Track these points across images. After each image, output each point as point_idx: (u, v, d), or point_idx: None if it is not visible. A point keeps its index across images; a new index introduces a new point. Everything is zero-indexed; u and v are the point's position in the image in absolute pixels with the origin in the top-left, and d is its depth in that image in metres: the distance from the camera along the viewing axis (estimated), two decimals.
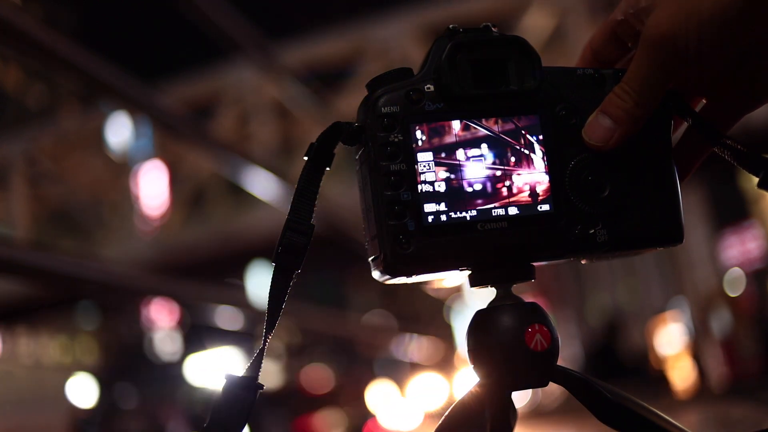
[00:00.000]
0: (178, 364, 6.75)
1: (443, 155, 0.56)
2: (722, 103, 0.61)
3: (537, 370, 0.57)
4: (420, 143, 0.55)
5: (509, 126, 0.57)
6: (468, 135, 0.56)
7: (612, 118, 0.57)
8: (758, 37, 0.55)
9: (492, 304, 0.59)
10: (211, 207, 12.48)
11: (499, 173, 0.56)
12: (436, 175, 0.55)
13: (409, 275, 0.56)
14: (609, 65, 0.62)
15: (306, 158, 0.58)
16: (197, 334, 6.93)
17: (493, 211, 0.56)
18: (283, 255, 0.57)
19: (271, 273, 0.58)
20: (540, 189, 0.57)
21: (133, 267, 8.85)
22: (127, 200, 13.10)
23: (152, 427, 5.66)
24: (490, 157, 0.56)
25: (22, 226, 12.43)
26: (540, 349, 0.56)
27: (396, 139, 0.55)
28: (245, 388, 0.57)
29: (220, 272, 12.43)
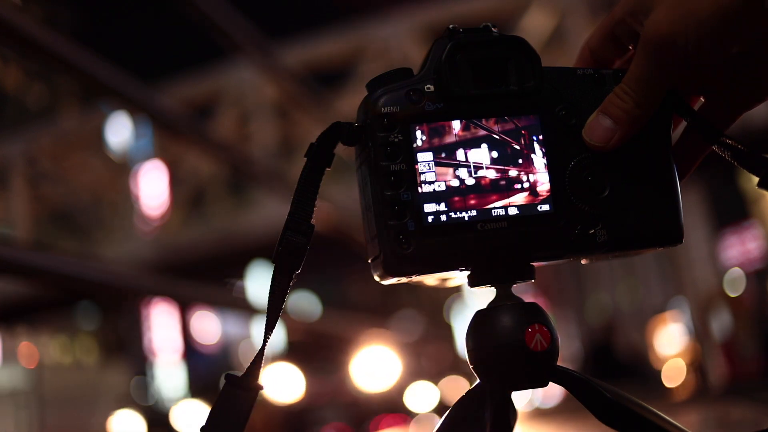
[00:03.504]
0: None
1: (443, 155, 0.56)
2: (721, 102, 0.61)
3: (537, 370, 0.57)
4: (420, 143, 0.55)
5: (509, 126, 0.57)
6: (468, 135, 0.56)
7: (612, 118, 0.57)
8: (757, 36, 0.55)
9: (492, 304, 0.59)
10: (211, 207, 12.48)
11: (499, 173, 0.56)
12: (436, 175, 0.55)
13: (409, 275, 0.56)
14: (607, 65, 0.62)
15: (306, 158, 0.58)
16: None
17: (493, 211, 0.56)
18: (283, 255, 0.57)
19: (271, 273, 0.58)
20: (540, 189, 0.57)
21: (133, 267, 8.85)
22: (127, 200, 13.10)
23: None
24: (490, 157, 0.56)
25: (22, 226, 12.43)
26: (540, 349, 0.56)
27: (396, 139, 0.55)
28: (245, 389, 0.57)
29: (220, 272, 12.44)
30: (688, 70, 0.56)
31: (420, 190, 0.55)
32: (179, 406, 9.79)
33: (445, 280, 0.63)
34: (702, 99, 0.62)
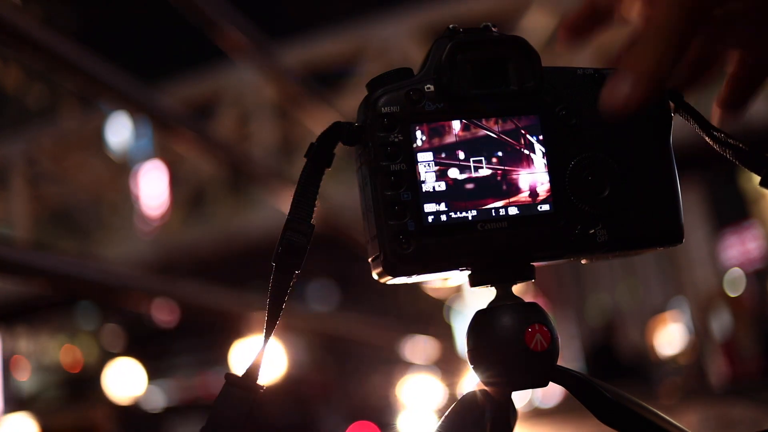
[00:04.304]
0: None
1: (443, 155, 0.56)
2: (758, 54, 0.56)
3: (537, 370, 0.57)
4: (420, 143, 0.55)
5: (509, 126, 0.57)
6: (468, 135, 0.56)
7: (634, 72, 0.51)
8: None
9: (492, 304, 0.59)
10: (211, 207, 12.48)
11: (499, 173, 0.56)
12: (436, 175, 0.55)
13: (409, 275, 0.56)
14: (606, 18, 0.61)
15: (306, 158, 0.58)
16: None
17: (493, 211, 0.56)
18: (283, 255, 0.57)
19: (271, 273, 0.58)
20: (540, 189, 0.57)
21: (133, 267, 8.85)
22: (127, 200, 13.10)
23: None
24: (490, 157, 0.56)
25: (22, 226, 12.43)
26: (540, 349, 0.56)
27: (396, 139, 0.55)
28: (246, 389, 0.57)
29: (221, 272, 12.43)
30: (714, 12, 0.50)
31: (420, 190, 0.55)
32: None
33: (444, 280, 0.63)
34: (734, 56, 0.58)
